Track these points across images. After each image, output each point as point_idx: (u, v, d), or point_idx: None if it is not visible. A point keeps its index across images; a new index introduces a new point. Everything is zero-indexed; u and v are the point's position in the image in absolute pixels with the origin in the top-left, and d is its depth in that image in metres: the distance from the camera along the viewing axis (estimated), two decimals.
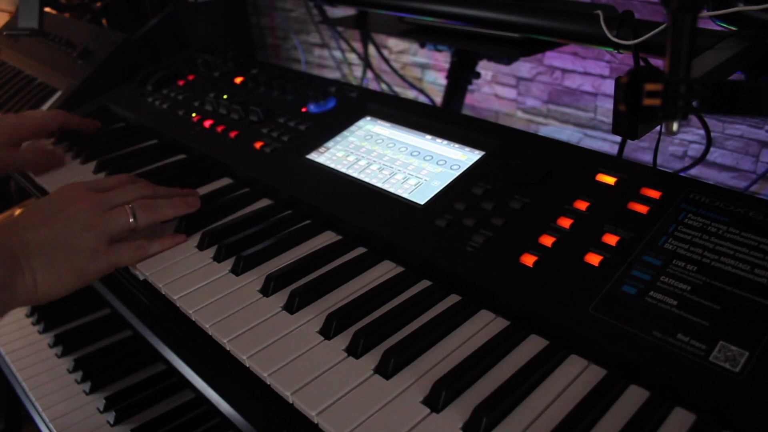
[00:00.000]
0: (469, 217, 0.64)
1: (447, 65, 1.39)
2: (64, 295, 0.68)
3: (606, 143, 1.82)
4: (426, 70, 2.20)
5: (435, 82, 2.19)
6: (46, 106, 1.20)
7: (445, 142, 0.79)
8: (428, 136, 0.81)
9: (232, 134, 0.91)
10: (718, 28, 0.71)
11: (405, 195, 0.71)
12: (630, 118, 0.55)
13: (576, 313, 0.52)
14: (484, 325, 0.56)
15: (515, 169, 0.68)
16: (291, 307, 0.60)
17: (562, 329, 0.52)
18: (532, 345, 0.53)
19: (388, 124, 0.86)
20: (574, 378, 0.50)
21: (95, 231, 0.68)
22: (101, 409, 0.82)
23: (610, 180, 0.63)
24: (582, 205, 0.61)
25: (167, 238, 0.73)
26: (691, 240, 0.55)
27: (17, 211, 0.97)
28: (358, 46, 1.97)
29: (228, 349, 0.58)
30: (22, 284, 0.63)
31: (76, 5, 1.58)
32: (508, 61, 1.38)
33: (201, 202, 0.77)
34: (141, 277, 0.70)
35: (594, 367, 0.50)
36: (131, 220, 0.70)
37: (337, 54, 2.43)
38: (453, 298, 0.60)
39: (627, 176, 0.63)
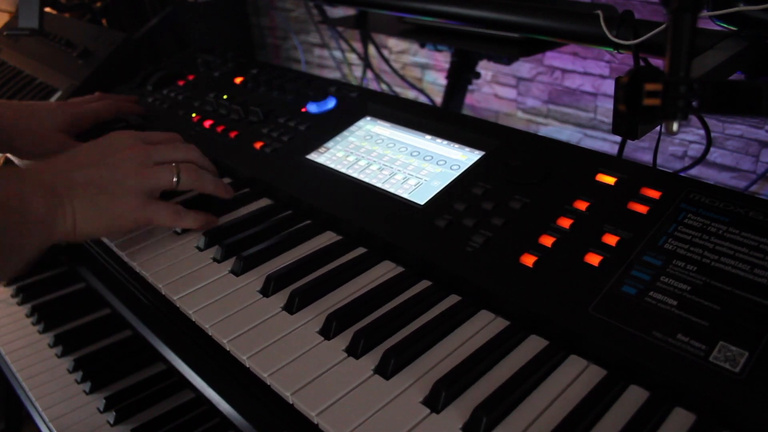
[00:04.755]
0: (469, 218, 0.64)
1: (447, 65, 1.39)
2: (99, 237, 0.73)
3: (606, 143, 1.82)
4: (426, 70, 2.19)
5: (435, 82, 2.19)
6: None
7: (445, 142, 0.79)
8: (428, 136, 0.81)
9: (232, 134, 0.91)
10: (718, 28, 0.71)
11: (405, 195, 0.71)
12: (630, 118, 0.55)
13: (576, 314, 0.52)
14: (484, 326, 0.56)
15: (515, 169, 0.68)
16: (291, 307, 0.60)
17: (562, 329, 0.52)
18: (532, 345, 0.53)
19: (388, 124, 0.86)
20: (574, 378, 0.50)
21: (139, 181, 0.69)
22: (101, 409, 0.82)
23: (610, 180, 0.63)
24: (582, 205, 0.61)
25: (202, 215, 0.73)
26: (691, 240, 0.55)
27: None
28: (358, 46, 1.97)
29: (228, 349, 0.58)
30: (62, 221, 0.64)
31: (76, 5, 1.58)
32: (508, 61, 1.38)
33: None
34: (137, 269, 0.70)
35: (594, 368, 0.50)
36: (174, 179, 0.71)
37: (337, 54, 2.43)
38: (453, 299, 0.60)
39: (627, 176, 0.63)
